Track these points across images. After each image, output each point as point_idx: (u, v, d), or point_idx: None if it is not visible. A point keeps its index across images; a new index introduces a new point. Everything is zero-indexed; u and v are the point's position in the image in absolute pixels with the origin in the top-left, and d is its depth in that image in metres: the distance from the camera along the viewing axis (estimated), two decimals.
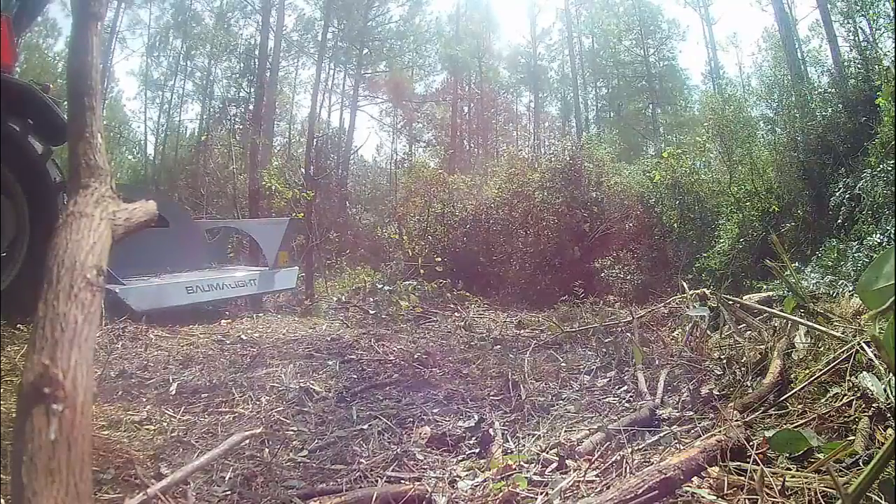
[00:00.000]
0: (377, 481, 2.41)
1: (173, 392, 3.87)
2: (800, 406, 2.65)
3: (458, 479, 2.43)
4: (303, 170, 15.60)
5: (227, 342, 5.86)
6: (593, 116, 26.14)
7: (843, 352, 2.75)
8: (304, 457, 2.80)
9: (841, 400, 2.47)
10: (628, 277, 10.76)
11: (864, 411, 2.31)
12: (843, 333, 3.01)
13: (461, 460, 2.73)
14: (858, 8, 11.58)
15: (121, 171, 21.28)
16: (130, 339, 5.66)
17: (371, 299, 8.87)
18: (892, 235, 6.73)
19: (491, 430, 2.94)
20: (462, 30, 25.52)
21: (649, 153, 19.28)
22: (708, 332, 4.46)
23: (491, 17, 27.93)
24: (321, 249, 13.51)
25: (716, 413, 2.83)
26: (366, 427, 3.22)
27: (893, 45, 9.42)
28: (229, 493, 2.30)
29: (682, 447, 2.31)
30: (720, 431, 2.18)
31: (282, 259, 8.74)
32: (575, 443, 2.61)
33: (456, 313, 8.22)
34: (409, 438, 3.03)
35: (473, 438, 2.95)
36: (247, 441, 2.70)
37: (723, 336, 4.21)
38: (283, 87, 22.92)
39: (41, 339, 1.19)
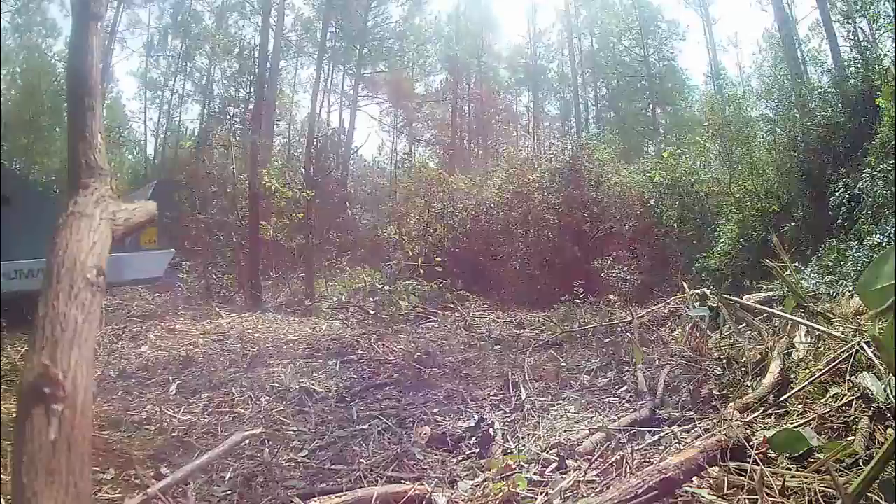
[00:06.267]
0: (377, 481, 2.41)
1: (173, 392, 3.87)
2: (800, 406, 2.65)
3: (458, 479, 2.43)
4: (303, 170, 15.58)
5: (227, 342, 5.86)
6: (593, 116, 26.10)
7: (843, 352, 2.75)
8: (304, 457, 2.80)
9: (841, 400, 2.47)
10: (628, 277, 10.75)
11: (864, 411, 2.31)
12: (843, 333, 3.01)
13: (461, 460, 2.73)
14: (858, 8, 11.56)
15: (121, 171, 21.26)
16: (130, 339, 5.66)
17: (371, 299, 8.85)
18: (892, 235, 6.72)
19: (491, 430, 2.94)
20: (461, 30, 25.50)
21: (649, 153, 19.23)
22: (708, 332, 4.46)
23: (490, 17, 27.93)
24: (321, 249, 13.49)
25: (716, 413, 2.83)
26: (366, 427, 3.22)
27: (893, 45, 9.42)
28: (229, 493, 2.30)
29: (682, 447, 2.31)
30: (720, 431, 2.18)
31: (144, 239, 6.70)
32: (575, 443, 2.61)
33: (456, 313, 8.22)
34: (409, 438, 3.04)
35: (473, 438, 2.95)
36: (247, 441, 2.70)
37: (723, 336, 4.21)
38: (282, 87, 22.91)
39: (41, 339, 1.19)
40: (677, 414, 3.06)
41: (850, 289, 5.20)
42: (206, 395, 3.78)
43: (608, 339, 5.21)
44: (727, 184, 10.72)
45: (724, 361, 3.65)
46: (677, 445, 2.47)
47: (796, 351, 3.31)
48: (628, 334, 5.17)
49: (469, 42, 24.94)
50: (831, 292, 5.45)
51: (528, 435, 2.97)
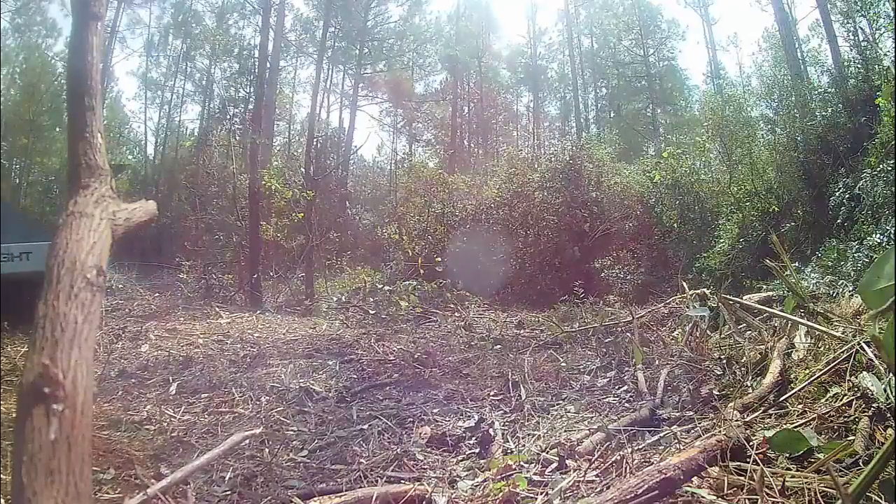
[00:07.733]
0: (377, 481, 2.41)
1: (173, 392, 3.87)
2: (800, 406, 2.65)
3: (458, 479, 2.43)
4: (303, 170, 15.58)
5: (227, 342, 5.86)
6: (593, 116, 26.12)
7: (843, 352, 2.75)
8: (304, 457, 2.80)
9: (841, 400, 2.47)
10: (628, 277, 10.76)
11: (864, 411, 2.31)
12: (843, 333, 3.01)
13: (461, 460, 2.73)
14: (858, 8, 11.57)
15: (121, 170, 21.23)
16: (130, 339, 5.67)
17: (371, 299, 8.85)
18: (892, 235, 6.72)
19: (491, 430, 2.94)
20: (462, 30, 25.49)
21: (649, 153, 19.25)
22: (708, 332, 4.46)
23: (490, 17, 27.94)
24: (321, 249, 13.49)
25: (716, 413, 2.83)
26: (366, 427, 3.22)
27: (893, 45, 9.42)
28: (229, 493, 2.30)
29: (682, 447, 2.30)
30: (720, 431, 2.18)
31: None
32: (575, 443, 2.61)
33: (456, 313, 8.22)
34: (409, 438, 3.04)
35: (473, 438, 2.95)
36: (247, 441, 2.70)
37: (723, 336, 4.21)
38: (282, 87, 22.89)
39: (41, 339, 1.19)
40: (677, 414, 3.06)
41: (850, 289, 5.20)
42: (206, 395, 3.78)
43: (608, 339, 5.20)
44: (727, 184, 10.72)
45: (724, 361, 3.65)
46: (677, 445, 2.47)
47: (796, 351, 3.31)
48: (628, 334, 5.17)
49: (469, 42, 24.93)
50: (831, 292, 5.45)
51: (528, 435, 2.97)
